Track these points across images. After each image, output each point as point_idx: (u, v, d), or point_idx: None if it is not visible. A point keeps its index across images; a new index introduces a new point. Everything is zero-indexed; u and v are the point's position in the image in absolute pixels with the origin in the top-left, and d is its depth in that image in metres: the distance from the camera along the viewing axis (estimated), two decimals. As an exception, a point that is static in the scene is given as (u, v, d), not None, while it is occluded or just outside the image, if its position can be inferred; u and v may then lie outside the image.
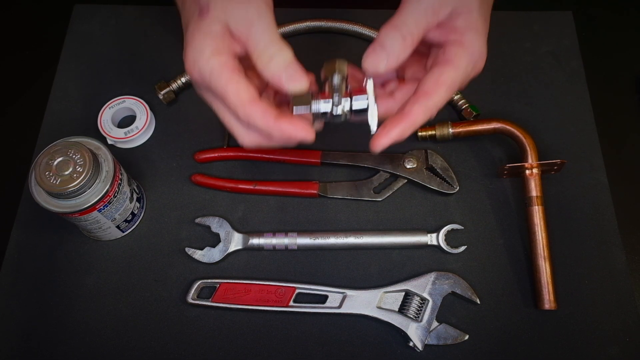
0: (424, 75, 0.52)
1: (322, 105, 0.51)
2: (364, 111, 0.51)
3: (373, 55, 0.50)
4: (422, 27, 0.50)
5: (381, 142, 0.51)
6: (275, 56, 0.49)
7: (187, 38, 0.51)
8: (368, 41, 0.80)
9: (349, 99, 0.51)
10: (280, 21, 0.79)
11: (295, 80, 0.49)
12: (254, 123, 0.50)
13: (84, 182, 0.58)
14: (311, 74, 0.53)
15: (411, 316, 0.63)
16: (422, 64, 0.56)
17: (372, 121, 0.51)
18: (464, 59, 0.51)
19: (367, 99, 0.51)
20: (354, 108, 0.51)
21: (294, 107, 0.51)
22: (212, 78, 0.50)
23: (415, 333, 0.63)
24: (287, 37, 0.81)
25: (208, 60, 0.49)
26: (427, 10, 0.50)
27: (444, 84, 0.50)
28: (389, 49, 0.50)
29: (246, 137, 0.53)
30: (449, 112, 0.75)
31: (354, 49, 0.80)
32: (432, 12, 0.50)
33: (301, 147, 0.56)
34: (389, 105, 0.56)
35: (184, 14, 0.55)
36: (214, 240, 0.69)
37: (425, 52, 0.56)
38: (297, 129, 0.50)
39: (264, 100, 0.53)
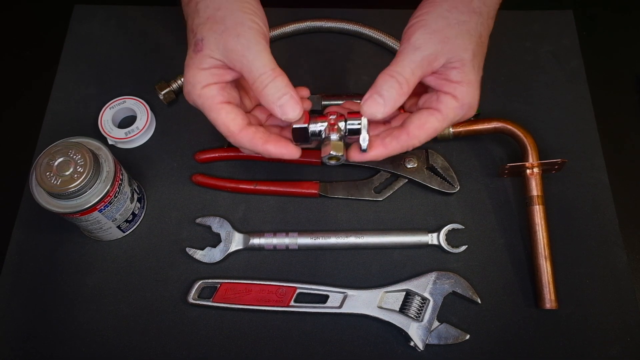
0: (414, 112, 0.56)
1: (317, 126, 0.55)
2: (357, 132, 0.55)
3: (371, 103, 0.53)
4: (417, 76, 0.53)
5: (357, 157, 0.56)
6: (268, 86, 0.52)
7: (184, 68, 0.56)
8: (368, 41, 0.80)
9: (344, 122, 0.55)
10: (280, 21, 0.80)
11: (288, 111, 0.53)
12: (243, 147, 0.56)
13: (85, 183, 0.58)
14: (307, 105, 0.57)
15: (412, 316, 0.63)
16: (417, 100, 0.59)
17: (363, 141, 0.54)
18: (454, 110, 0.54)
19: (361, 122, 0.54)
20: (348, 127, 0.55)
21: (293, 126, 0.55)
22: (204, 109, 0.55)
23: (416, 333, 0.63)
24: (287, 37, 0.81)
25: (199, 95, 0.54)
26: (424, 60, 0.53)
27: (426, 130, 0.54)
28: (386, 97, 0.52)
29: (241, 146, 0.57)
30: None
31: (354, 49, 0.80)
32: (427, 63, 0.53)
33: (302, 148, 0.57)
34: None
35: (187, 33, 0.57)
36: (214, 240, 0.69)
37: (421, 91, 0.58)
38: (283, 151, 0.55)
39: (254, 119, 0.59)
